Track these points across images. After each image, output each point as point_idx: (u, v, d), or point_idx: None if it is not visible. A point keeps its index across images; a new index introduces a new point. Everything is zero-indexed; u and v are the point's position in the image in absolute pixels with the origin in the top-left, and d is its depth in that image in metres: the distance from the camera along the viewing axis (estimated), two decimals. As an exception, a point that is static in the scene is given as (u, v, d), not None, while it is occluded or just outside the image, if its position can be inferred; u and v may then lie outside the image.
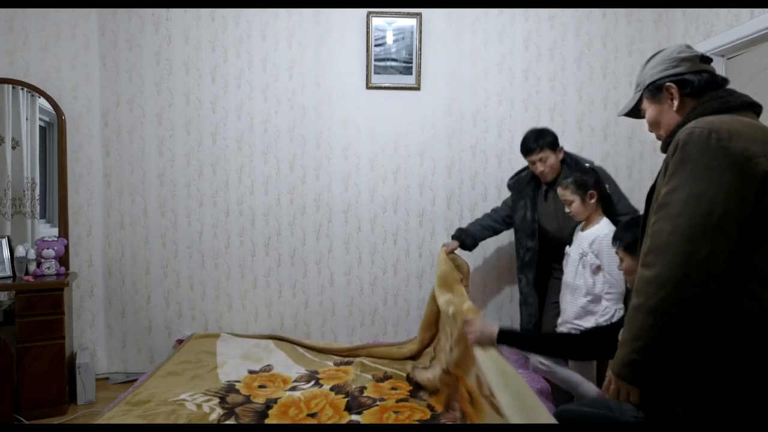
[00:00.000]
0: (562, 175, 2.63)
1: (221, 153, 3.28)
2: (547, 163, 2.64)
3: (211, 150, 3.28)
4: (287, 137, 3.30)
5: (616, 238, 1.91)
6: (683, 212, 1.15)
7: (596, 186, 2.38)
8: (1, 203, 3.00)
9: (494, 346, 1.90)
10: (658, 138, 1.46)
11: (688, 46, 1.41)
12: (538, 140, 2.65)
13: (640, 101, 1.47)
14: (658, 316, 1.16)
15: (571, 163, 2.70)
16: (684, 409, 1.21)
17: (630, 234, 1.84)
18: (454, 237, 2.98)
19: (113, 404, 2.32)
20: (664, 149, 1.38)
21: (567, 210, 2.39)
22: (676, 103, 1.36)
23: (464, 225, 3.34)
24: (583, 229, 2.41)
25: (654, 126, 1.44)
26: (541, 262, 2.78)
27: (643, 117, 1.49)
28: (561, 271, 2.74)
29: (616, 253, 1.92)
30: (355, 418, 2.16)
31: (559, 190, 2.41)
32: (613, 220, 2.56)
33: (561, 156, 2.69)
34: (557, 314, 2.70)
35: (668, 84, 1.37)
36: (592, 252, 2.30)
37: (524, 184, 2.81)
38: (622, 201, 2.62)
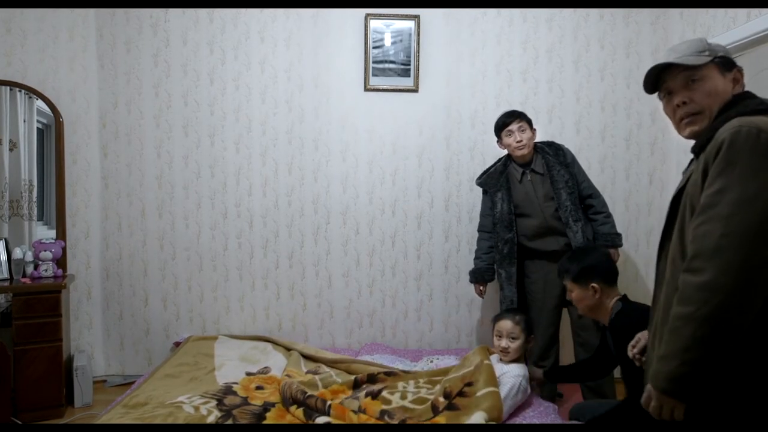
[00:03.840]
0: (535, 159, 2.73)
1: (219, 155, 3.28)
2: (525, 133, 2.68)
3: (209, 152, 3.28)
4: (285, 139, 3.30)
5: (563, 271, 2.07)
6: (735, 213, 1.08)
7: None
8: (-2, 205, 3.00)
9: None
10: (693, 116, 1.32)
11: None
12: (516, 112, 2.74)
13: (700, 67, 1.31)
14: (713, 325, 1.07)
15: (543, 146, 2.78)
16: (730, 422, 1.14)
17: (576, 266, 2.02)
18: (473, 282, 2.98)
19: (111, 407, 2.32)
20: (696, 147, 1.29)
21: (504, 345, 2.32)
22: (738, 89, 1.31)
23: (462, 229, 3.36)
24: (502, 360, 2.37)
25: (709, 97, 1.29)
26: (522, 256, 2.80)
27: (656, 91, 1.41)
28: (534, 271, 2.79)
29: (564, 284, 2.07)
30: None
31: (510, 324, 2.33)
32: (582, 203, 2.74)
33: (535, 136, 2.75)
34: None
35: (739, 66, 1.32)
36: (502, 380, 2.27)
37: (497, 177, 2.81)
38: (586, 182, 2.78)
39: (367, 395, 2.25)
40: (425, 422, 2.11)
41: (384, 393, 2.26)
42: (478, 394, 2.14)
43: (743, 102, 1.25)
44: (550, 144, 2.81)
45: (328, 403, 2.19)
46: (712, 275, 1.07)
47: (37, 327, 2.78)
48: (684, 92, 1.33)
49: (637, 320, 1.79)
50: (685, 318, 1.10)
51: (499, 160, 2.88)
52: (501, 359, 2.36)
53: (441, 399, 2.18)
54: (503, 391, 2.18)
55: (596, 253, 2.10)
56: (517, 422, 2.19)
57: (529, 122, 2.73)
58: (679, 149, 3.28)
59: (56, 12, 3.11)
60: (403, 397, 2.24)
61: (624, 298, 1.98)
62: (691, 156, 1.34)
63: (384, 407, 2.16)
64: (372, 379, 2.47)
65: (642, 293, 3.39)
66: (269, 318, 3.36)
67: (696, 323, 1.08)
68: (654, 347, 1.28)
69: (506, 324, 2.35)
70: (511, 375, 2.26)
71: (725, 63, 1.31)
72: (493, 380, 2.20)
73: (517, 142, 2.68)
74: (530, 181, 2.72)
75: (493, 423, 2.03)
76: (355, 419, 2.10)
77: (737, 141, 1.12)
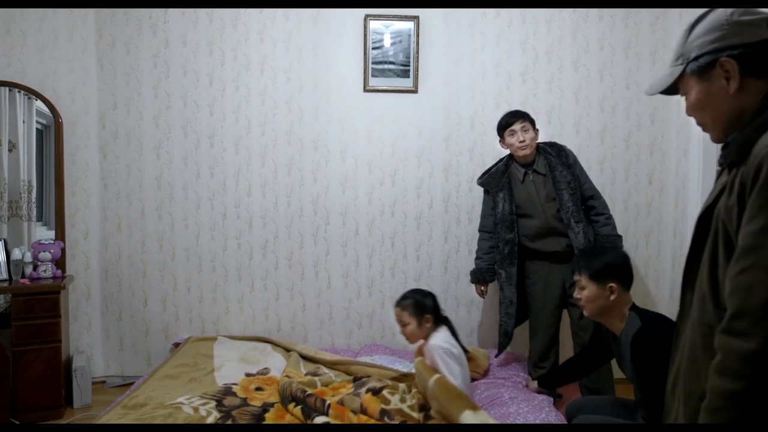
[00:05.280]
0: (537, 159, 2.73)
1: (219, 156, 3.28)
2: (528, 133, 2.68)
3: (208, 153, 3.28)
4: (285, 140, 3.30)
5: (581, 266, 1.95)
6: None
7: (434, 311, 2.38)
8: (-3, 206, 2.99)
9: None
10: (702, 126, 1.14)
11: (748, 8, 1.05)
12: (519, 112, 2.74)
13: (680, 77, 1.11)
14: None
15: (546, 147, 2.78)
16: None
17: (597, 261, 1.90)
18: (474, 282, 2.98)
19: (110, 408, 2.32)
20: (724, 161, 1.04)
21: (401, 332, 2.35)
22: (734, 85, 1.02)
23: (461, 229, 3.36)
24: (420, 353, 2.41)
25: (699, 111, 1.10)
26: (522, 257, 2.80)
27: (677, 93, 1.16)
28: (534, 272, 2.78)
29: (578, 279, 1.95)
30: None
31: (397, 310, 2.38)
32: (584, 204, 2.74)
33: (537, 137, 2.75)
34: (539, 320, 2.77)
35: (724, 59, 1.02)
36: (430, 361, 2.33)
37: (499, 177, 2.81)
38: (587, 183, 2.78)
39: (368, 391, 2.26)
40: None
41: (385, 392, 2.26)
42: (430, 384, 2.16)
43: None
44: (553, 145, 2.81)
45: (327, 402, 2.19)
46: (763, 343, 0.86)
47: (36, 328, 2.77)
48: (686, 103, 1.15)
49: (665, 340, 1.65)
50: (732, 397, 0.88)
51: (501, 160, 2.88)
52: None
53: (417, 414, 2.17)
54: (444, 374, 2.22)
55: (618, 252, 2.00)
56: (511, 419, 2.20)
57: (533, 122, 2.74)
58: (679, 150, 3.28)
59: (56, 12, 3.11)
60: (402, 400, 2.24)
61: (635, 308, 1.90)
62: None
63: (384, 407, 2.16)
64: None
65: (642, 293, 3.39)
66: (268, 319, 3.36)
67: (747, 404, 0.87)
68: (675, 392, 1.12)
69: (395, 312, 2.40)
70: (432, 351, 2.29)
71: (701, 67, 1.06)
72: (428, 369, 2.26)
73: (520, 142, 2.68)
74: (532, 181, 2.72)
75: (496, 423, 2.03)
76: (354, 419, 2.10)
77: None
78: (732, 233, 0.96)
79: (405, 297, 2.42)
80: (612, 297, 1.86)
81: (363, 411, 2.16)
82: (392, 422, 2.08)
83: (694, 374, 1.03)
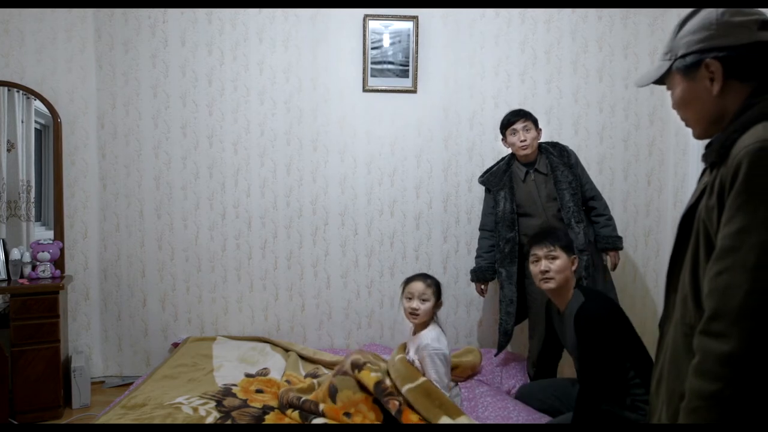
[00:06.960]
0: (539, 159, 2.76)
1: (218, 156, 3.28)
2: (529, 133, 2.70)
3: (207, 153, 3.27)
4: (284, 140, 3.30)
5: (555, 239, 2.19)
6: (765, 263, 0.86)
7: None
8: (-4, 206, 2.99)
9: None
10: (684, 122, 1.14)
11: (741, 8, 1.03)
12: (522, 111, 2.76)
13: (667, 73, 1.11)
14: (746, 407, 0.86)
15: (548, 146, 2.80)
16: None
17: (565, 237, 2.26)
18: (475, 281, 2.98)
19: (109, 408, 2.31)
20: (707, 158, 1.03)
21: (415, 306, 2.32)
22: (717, 86, 1.02)
23: (460, 229, 3.36)
24: (414, 333, 2.41)
25: (682, 108, 1.11)
26: (522, 256, 2.80)
27: (665, 85, 1.16)
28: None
29: (551, 251, 2.15)
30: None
31: (420, 285, 2.34)
32: (584, 205, 2.78)
33: (540, 137, 2.77)
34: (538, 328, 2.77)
35: (709, 60, 1.02)
36: (417, 358, 2.34)
37: (501, 175, 2.82)
38: (589, 184, 2.82)
39: (353, 368, 2.28)
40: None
41: (368, 367, 2.28)
42: (404, 389, 2.17)
43: None
44: (555, 144, 2.81)
45: (321, 406, 2.19)
46: (739, 345, 0.86)
47: (34, 328, 2.77)
48: (671, 98, 1.16)
49: (604, 315, 1.96)
50: (709, 398, 0.88)
51: (503, 158, 2.88)
52: (411, 321, 2.39)
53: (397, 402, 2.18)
54: (431, 375, 2.25)
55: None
56: (511, 420, 2.20)
57: (535, 122, 2.75)
58: (678, 150, 3.29)
59: (54, 12, 3.11)
60: (384, 377, 2.27)
61: (578, 285, 2.15)
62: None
63: (378, 380, 2.20)
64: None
65: (641, 294, 3.40)
66: (268, 319, 3.36)
67: (723, 405, 0.87)
68: (659, 392, 1.12)
69: (418, 285, 2.36)
70: (424, 350, 2.28)
71: (687, 65, 1.06)
72: (413, 370, 2.25)
73: (521, 141, 2.69)
74: (533, 180, 2.73)
75: (480, 423, 2.05)
76: (347, 421, 2.12)
77: (759, 165, 0.88)
78: (712, 234, 0.96)
79: (427, 275, 2.43)
80: (573, 268, 2.15)
81: (361, 387, 2.20)
82: (386, 395, 2.13)
83: (676, 374, 1.04)
